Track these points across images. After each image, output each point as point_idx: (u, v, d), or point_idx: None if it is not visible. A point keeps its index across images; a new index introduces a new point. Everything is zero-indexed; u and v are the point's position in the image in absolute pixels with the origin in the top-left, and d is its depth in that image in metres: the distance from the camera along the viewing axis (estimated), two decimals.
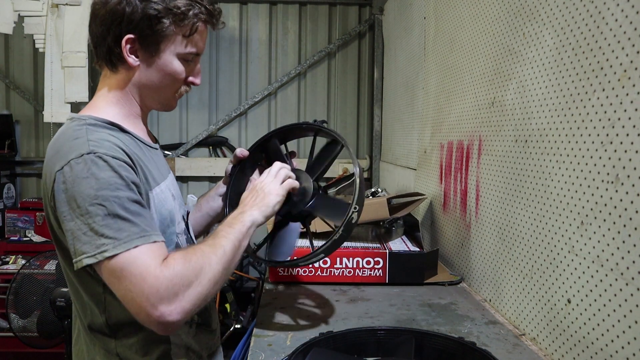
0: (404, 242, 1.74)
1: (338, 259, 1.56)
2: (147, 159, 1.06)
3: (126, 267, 0.87)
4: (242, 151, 1.33)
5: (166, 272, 0.88)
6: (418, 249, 1.63)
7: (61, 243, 0.99)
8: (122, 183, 0.91)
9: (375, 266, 1.56)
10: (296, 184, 1.19)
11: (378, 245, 1.66)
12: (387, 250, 1.57)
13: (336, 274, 1.56)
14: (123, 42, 1.01)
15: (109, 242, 0.87)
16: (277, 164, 1.19)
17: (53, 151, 0.97)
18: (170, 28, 1.02)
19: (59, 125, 3.64)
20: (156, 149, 1.17)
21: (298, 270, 1.57)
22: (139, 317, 0.89)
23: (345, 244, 1.65)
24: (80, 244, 0.89)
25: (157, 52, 1.04)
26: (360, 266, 1.56)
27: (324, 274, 1.57)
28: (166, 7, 1.00)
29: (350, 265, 1.56)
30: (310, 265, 1.56)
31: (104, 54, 1.05)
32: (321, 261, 1.55)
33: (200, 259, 0.94)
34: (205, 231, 1.38)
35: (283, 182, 1.15)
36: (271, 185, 1.13)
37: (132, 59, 1.03)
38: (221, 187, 1.37)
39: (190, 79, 1.11)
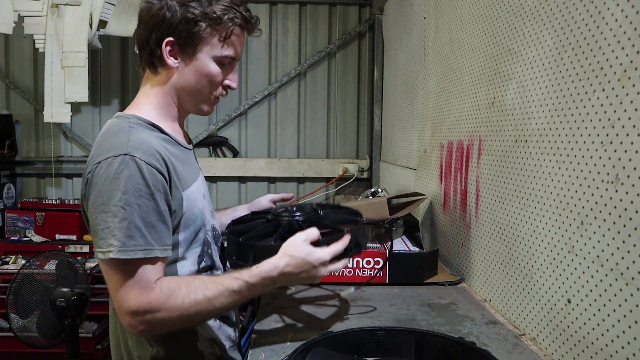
0: (404, 242, 1.74)
1: None
2: (181, 161, 1.12)
3: (120, 273, 0.97)
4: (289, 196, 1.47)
5: (149, 296, 0.97)
6: (418, 249, 1.63)
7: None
8: (147, 191, 0.98)
9: (375, 266, 1.56)
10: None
11: (378, 245, 1.66)
12: (387, 251, 1.57)
13: (336, 274, 1.56)
14: (163, 44, 1.08)
15: (117, 244, 0.96)
16: (342, 263, 1.10)
17: (97, 145, 1.04)
18: (207, 31, 1.09)
19: (59, 125, 3.65)
20: (190, 149, 1.23)
21: None
22: (116, 313, 1.00)
23: None
24: (97, 237, 0.98)
25: (194, 54, 1.10)
26: (360, 266, 1.56)
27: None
28: (203, 12, 1.08)
29: (350, 265, 1.56)
30: None
31: (146, 57, 1.12)
32: None
33: (186, 302, 0.99)
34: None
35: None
36: (322, 272, 1.07)
37: (171, 61, 1.10)
38: (239, 211, 1.45)
39: (227, 82, 1.16)
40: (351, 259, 1.55)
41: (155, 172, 1.00)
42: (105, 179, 0.97)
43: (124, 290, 0.97)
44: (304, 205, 1.24)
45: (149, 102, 1.14)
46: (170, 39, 1.08)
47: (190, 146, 1.24)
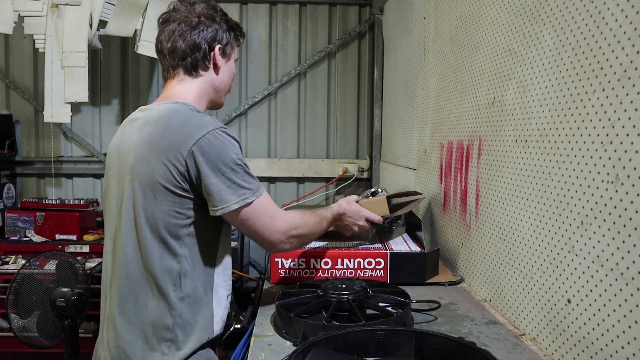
0: (405, 241, 1.74)
1: (339, 259, 1.56)
2: None
3: (262, 209, 1.23)
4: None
5: (290, 215, 1.30)
6: (419, 249, 1.63)
7: (168, 194, 1.19)
8: (241, 152, 1.24)
9: (377, 267, 1.56)
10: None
11: (379, 245, 1.66)
12: (388, 251, 1.57)
13: (338, 275, 1.56)
14: (216, 49, 1.33)
15: (247, 192, 1.20)
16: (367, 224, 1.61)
17: (178, 122, 1.20)
18: (238, 39, 1.39)
19: (59, 125, 3.65)
20: None
21: (300, 272, 1.57)
22: (264, 245, 1.28)
23: (346, 244, 1.66)
24: (226, 194, 1.18)
25: (230, 57, 1.38)
26: (362, 267, 1.56)
27: (326, 275, 1.57)
28: (236, 23, 1.39)
29: (351, 265, 1.56)
30: (311, 266, 1.56)
31: (190, 62, 1.31)
32: (322, 262, 1.56)
33: (312, 221, 1.37)
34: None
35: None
36: (361, 224, 1.60)
37: (221, 63, 1.35)
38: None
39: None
40: (352, 259, 1.56)
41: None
42: (220, 147, 1.18)
43: (271, 220, 1.24)
44: (354, 283, 1.31)
45: (192, 100, 1.32)
46: (220, 45, 1.34)
47: None
